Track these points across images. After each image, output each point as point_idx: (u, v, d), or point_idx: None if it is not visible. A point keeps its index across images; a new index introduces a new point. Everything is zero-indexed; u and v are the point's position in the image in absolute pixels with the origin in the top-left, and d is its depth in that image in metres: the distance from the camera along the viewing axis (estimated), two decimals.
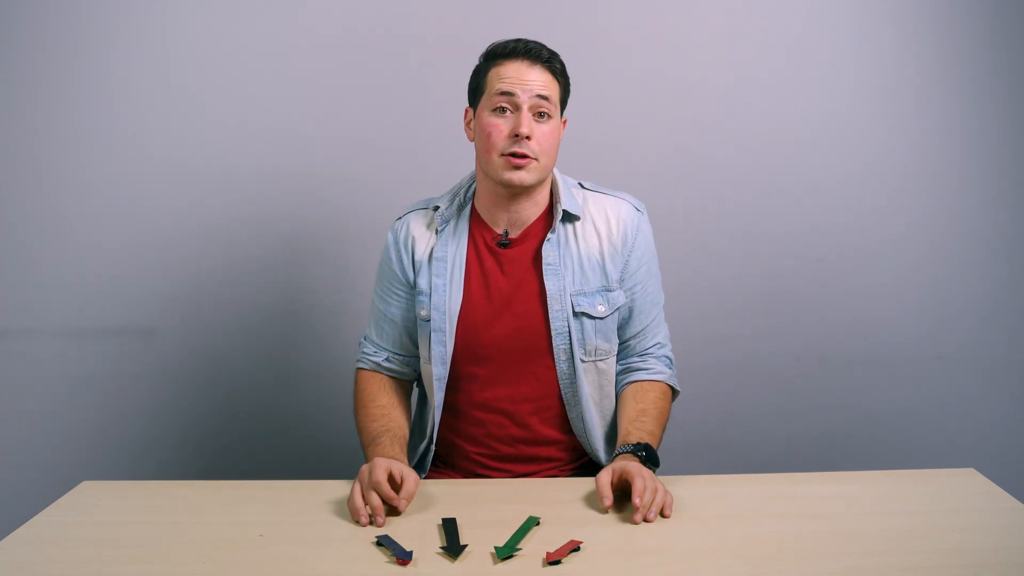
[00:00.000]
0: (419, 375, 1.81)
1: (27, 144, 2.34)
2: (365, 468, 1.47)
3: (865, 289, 2.47)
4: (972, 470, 1.60)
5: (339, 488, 1.55)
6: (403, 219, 1.77)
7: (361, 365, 1.79)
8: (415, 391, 1.86)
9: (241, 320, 2.41)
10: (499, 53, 1.64)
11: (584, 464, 1.75)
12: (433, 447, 1.75)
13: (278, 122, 2.36)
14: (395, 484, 1.45)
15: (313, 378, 2.41)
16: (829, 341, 2.48)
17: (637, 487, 1.40)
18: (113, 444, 2.42)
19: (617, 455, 1.54)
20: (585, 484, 1.55)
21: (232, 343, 2.42)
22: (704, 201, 2.42)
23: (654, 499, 1.41)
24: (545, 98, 1.60)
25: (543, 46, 1.64)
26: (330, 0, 2.34)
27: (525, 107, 1.60)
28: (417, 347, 1.77)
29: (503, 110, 1.61)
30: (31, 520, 1.42)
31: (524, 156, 1.59)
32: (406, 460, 1.60)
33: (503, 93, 1.60)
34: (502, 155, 1.60)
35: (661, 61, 2.38)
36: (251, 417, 2.44)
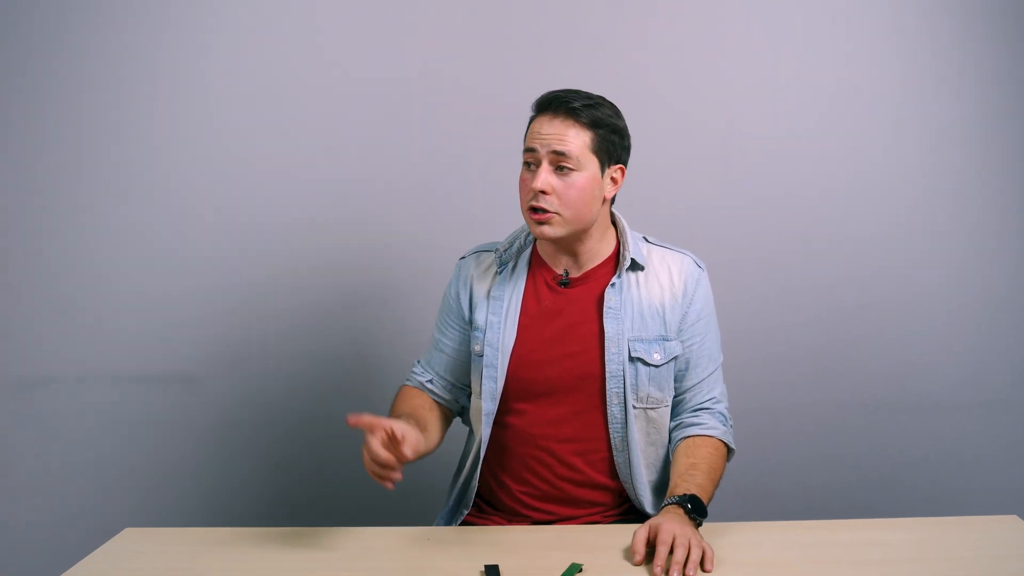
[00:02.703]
0: (464, 409, 1.84)
1: (73, 195, 2.39)
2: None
3: (906, 336, 2.45)
4: (1015, 517, 1.57)
5: (382, 535, 1.55)
6: (467, 258, 1.82)
7: (407, 383, 1.83)
8: (468, 434, 1.85)
9: (284, 369, 2.43)
10: (536, 106, 1.67)
11: (627, 511, 1.74)
12: (476, 480, 1.75)
13: (324, 173, 2.40)
14: (397, 444, 1.46)
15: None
16: (871, 388, 2.46)
17: (659, 553, 1.38)
18: (156, 491, 2.43)
19: (663, 507, 1.52)
20: (628, 531, 1.53)
21: (275, 391, 2.44)
22: (745, 250, 2.42)
23: (689, 556, 1.38)
24: (561, 154, 1.60)
25: (575, 96, 1.62)
26: (380, 50, 2.38)
27: (544, 161, 1.61)
28: (463, 381, 1.81)
29: (529, 164, 1.65)
30: (74, 566, 1.43)
31: (544, 211, 1.61)
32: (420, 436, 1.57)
33: (527, 150, 1.64)
34: (527, 209, 1.64)
35: (696, 107, 2.40)
36: (294, 465, 2.45)
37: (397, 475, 1.48)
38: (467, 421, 1.86)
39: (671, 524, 1.42)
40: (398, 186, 2.40)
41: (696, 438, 1.68)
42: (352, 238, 2.42)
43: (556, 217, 1.62)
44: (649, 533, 1.43)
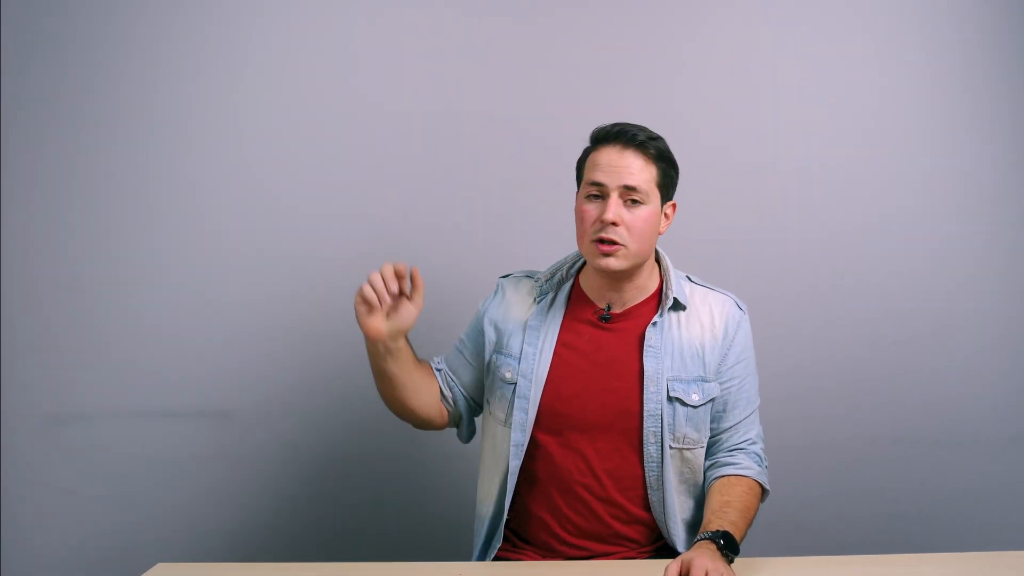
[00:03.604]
0: (459, 418, 1.84)
1: (106, 232, 2.41)
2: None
3: (944, 370, 2.43)
4: None
5: (415, 570, 1.55)
6: (510, 278, 1.84)
7: None
8: (485, 460, 1.82)
9: (316, 405, 2.43)
10: (597, 138, 1.69)
11: (660, 548, 1.73)
12: (506, 512, 1.73)
13: (356, 208, 2.41)
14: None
15: (388, 459, 2.41)
16: (908, 422, 2.43)
17: None
18: (189, 526, 2.43)
19: (696, 542, 1.52)
20: (661, 566, 1.53)
21: (307, 427, 2.44)
22: (781, 286, 2.41)
23: None
24: (632, 188, 1.62)
25: (641, 130, 1.65)
26: (399, 84, 2.40)
27: (614, 194, 1.62)
28: (470, 391, 1.82)
29: (595, 197, 1.65)
30: None
31: (612, 243, 1.62)
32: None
33: (593, 183, 1.65)
34: (592, 240, 1.64)
35: (732, 144, 2.40)
36: (327, 500, 2.44)
37: (393, 285, 1.59)
38: (463, 434, 1.87)
39: (703, 559, 1.42)
40: (435, 224, 2.40)
41: (731, 477, 1.67)
42: None
43: (623, 250, 1.63)
44: (681, 568, 1.42)
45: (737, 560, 1.49)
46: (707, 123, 2.40)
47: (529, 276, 1.81)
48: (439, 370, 1.82)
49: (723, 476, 1.68)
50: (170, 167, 2.41)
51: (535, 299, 1.76)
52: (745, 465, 1.69)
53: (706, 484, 1.72)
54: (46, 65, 2.39)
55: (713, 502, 1.63)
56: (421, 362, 1.77)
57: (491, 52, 2.40)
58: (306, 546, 2.44)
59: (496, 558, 1.76)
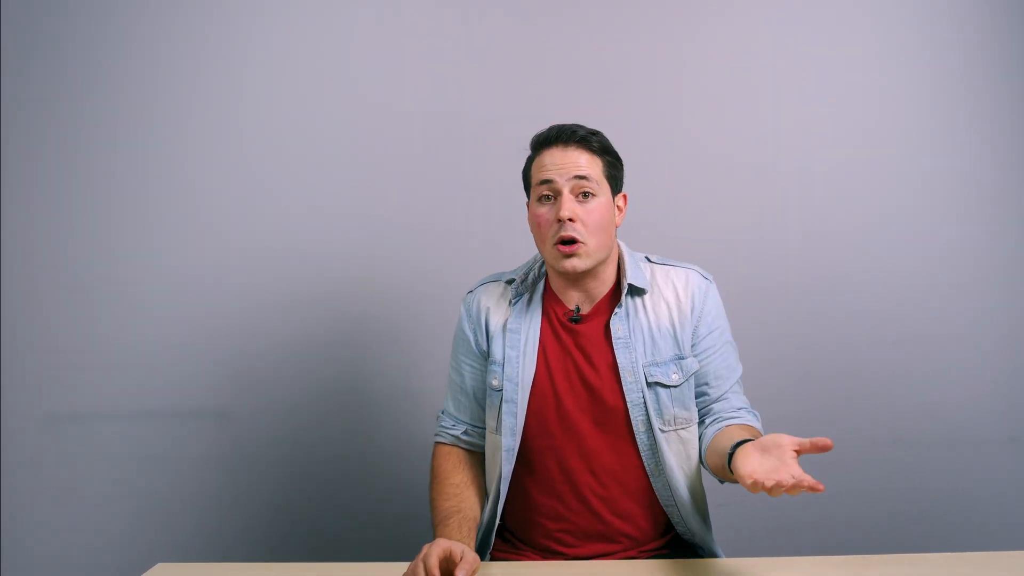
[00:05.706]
0: None
1: (106, 232, 2.42)
2: (426, 546, 1.46)
3: (943, 371, 2.42)
4: None
5: None
6: (475, 292, 1.80)
7: (439, 439, 1.79)
8: (486, 467, 1.82)
9: (313, 402, 2.43)
10: (537, 144, 1.69)
11: (662, 545, 1.71)
12: (498, 520, 1.73)
13: (348, 207, 2.41)
14: (453, 563, 1.43)
15: (385, 459, 2.41)
16: (906, 422, 2.43)
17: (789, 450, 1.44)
18: (188, 526, 2.43)
19: (738, 445, 1.46)
20: (664, 566, 1.52)
21: (304, 425, 2.44)
22: (779, 284, 2.41)
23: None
24: (583, 178, 1.62)
25: (578, 127, 1.66)
26: (399, 84, 2.41)
27: (565, 190, 1.62)
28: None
29: (547, 198, 1.65)
30: None
31: (572, 241, 1.61)
32: (473, 543, 1.59)
33: (543, 182, 1.65)
34: (553, 245, 1.63)
35: (733, 147, 2.41)
36: (324, 498, 2.45)
37: None
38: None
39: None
40: (435, 224, 2.41)
41: (744, 426, 1.62)
42: (387, 277, 2.43)
43: (583, 247, 1.62)
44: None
45: (737, 560, 1.49)
46: (707, 123, 2.40)
47: (496, 280, 1.80)
48: (464, 434, 1.77)
49: (729, 425, 1.63)
50: (170, 167, 2.41)
51: (511, 301, 1.74)
52: (748, 419, 1.65)
53: (705, 441, 1.66)
54: (46, 65, 2.39)
55: (733, 433, 1.57)
56: (469, 510, 1.66)
57: (491, 52, 2.41)
58: (306, 546, 2.44)
59: (497, 559, 1.74)
